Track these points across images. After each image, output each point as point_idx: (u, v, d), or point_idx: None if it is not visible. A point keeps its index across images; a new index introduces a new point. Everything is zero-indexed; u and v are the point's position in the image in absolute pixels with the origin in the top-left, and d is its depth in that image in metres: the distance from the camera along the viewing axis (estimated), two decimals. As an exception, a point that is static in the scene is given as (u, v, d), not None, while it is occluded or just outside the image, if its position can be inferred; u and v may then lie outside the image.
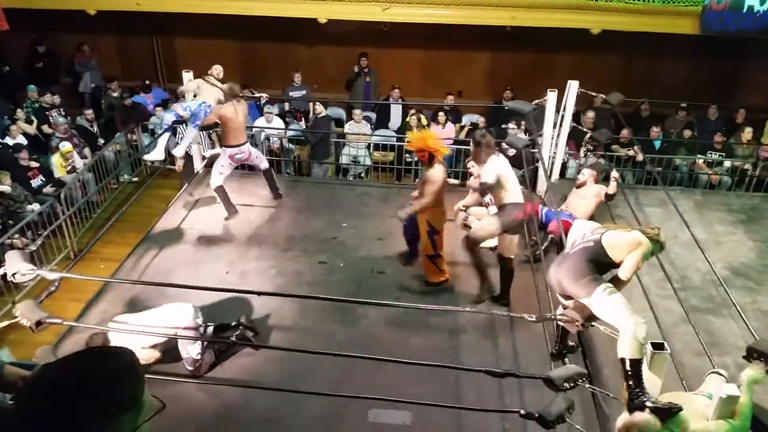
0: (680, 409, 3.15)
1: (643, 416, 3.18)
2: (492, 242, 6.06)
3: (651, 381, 3.59)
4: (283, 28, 9.74)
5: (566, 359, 4.14)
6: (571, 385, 3.44)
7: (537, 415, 3.41)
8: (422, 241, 5.54)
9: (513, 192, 5.17)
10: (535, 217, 6.27)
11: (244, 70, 10.70)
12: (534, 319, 3.89)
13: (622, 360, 3.43)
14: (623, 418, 3.30)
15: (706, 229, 6.77)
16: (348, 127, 9.24)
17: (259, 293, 4.30)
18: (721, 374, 3.57)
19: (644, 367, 3.58)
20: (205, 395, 4.34)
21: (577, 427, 3.74)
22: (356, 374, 4.45)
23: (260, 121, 8.98)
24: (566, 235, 5.14)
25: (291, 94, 9.75)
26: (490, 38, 9.92)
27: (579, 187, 6.67)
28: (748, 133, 8.58)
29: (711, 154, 8.56)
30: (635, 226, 3.93)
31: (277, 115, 9.19)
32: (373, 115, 10.01)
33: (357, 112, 9.21)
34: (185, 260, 5.99)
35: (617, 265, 3.78)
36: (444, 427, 4.18)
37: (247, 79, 9.63)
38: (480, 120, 9.58)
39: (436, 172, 5.27)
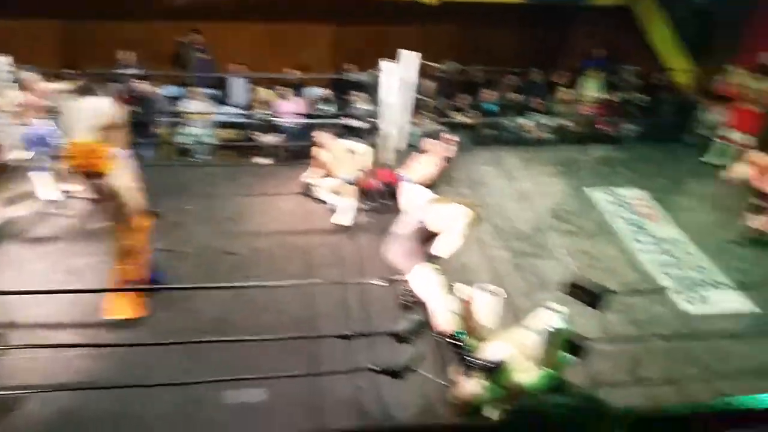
0: (505, 363, 3.49)
1: (468, 388, 3.48)
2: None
3: (487, 323, 3.93)
4: (110, 3, 9.06)
5: (411, 312, 4.36)
6: (416, 335, 3.69)
7: (387, 369, 3.63)
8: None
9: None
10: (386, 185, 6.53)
11: (66, 52, 9.82)
12: (385, 283, 4.09)
13: (442, 334, 3.72)
14: (457, 389, 3.59)
15: (532, 181, 7.41)
16: (188, 106, 8.86)
17: (91, 291, 4.06)
18: (551, 309, 3.99)
19: (482, 311, 3.91)
20: (36, 403, 4.01)
21: (424, 373, 4.02)
22: (209, 359, 4.37)
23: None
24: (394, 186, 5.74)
25: (123, 74, 9.12)
26: (334, 11, 9.95)
27: (425, 154, 6.99)
28: (566, 93, 9.45)
29: (535, 115, 9.30)
30: (456, 198, 4.24)
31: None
32: (215, 92, 9.66)
33: (197, 90, 8.86)
34: (7, 262, 5.46)
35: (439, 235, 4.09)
36: (301, 396, 4.25)
37: (71, 61, 8.87)
38: (326, 93, 9.63)
39: (113, 179, 4.30)
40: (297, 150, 8.23)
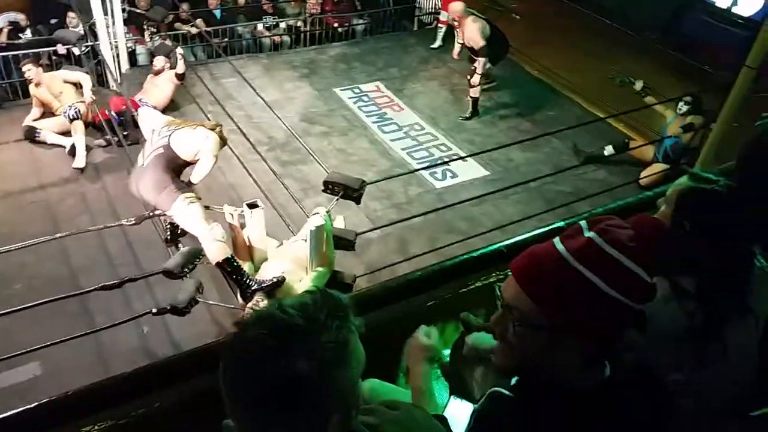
0: (283, 279, 3.53)
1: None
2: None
3: (257, 238, 3.92)
4: None
5: (180, 244, 4.18)
6: (191, 267, 3.55)
7: (169, 308, 3.46)
8: None
9: None
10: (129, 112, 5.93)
11: None
12: (133, 222, 3.81)
13: (218, 264, 3.61)
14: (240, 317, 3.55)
15: (278, 88, 7.36)
16: None
17: None
18: (318, 213, 4.09)
19: (251, 230, 3.87)
20: None
21: (212, 302, 3.96)
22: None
23: None
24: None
25: None
26: None
27: (156, 74, 6.47)
28: (293, -8, 9.30)
29: (267, 18, 9.06)
30: (196, 122, 4.04)
31: None
32: None
33: None
34: None
35: (192, 163, 3.90)
36: (82, 358, 3.91)
37: None
38: (21, 18, 8.20)
39: None
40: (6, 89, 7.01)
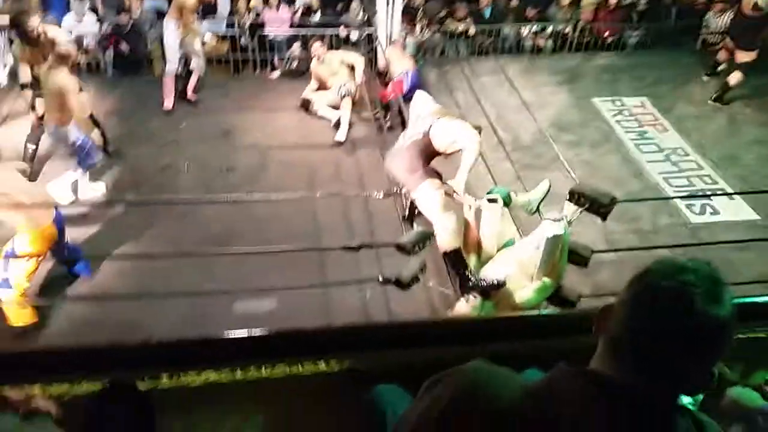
0: (504, 283, 3.46)
1: (462, 310, 3.46)
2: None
3: (489, 238, 3.86)
4: None
5: (415, 223, 4.33)
6: (421, 246, 3.65)
7: (394, 280, 3.62)
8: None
9: None
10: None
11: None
12: (381, 196, 4.02)
13: (445, 253, 3.63)
14: (452, 308, 3.56)
15: (534, 92, 7.22)
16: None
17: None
18: (551, 218, 3.93)
19: (484, 226, 3.84)
20: (47, 314, 4.07)
21: (431, 284, 4.05)
22: (217, 273, 4.39)
23: (69, 19, 7.92)
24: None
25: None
26: None
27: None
28: (567, -1, 9.04)
29: (534, 22, 8.94)
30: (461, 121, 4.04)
31: (91, 9, 8.13)
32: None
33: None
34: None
35: (442, 154, 3.90)
36: (310, 305, 4.28)
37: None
38: (314, 1, 9.25)
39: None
40: (301, 63, 7.91)
